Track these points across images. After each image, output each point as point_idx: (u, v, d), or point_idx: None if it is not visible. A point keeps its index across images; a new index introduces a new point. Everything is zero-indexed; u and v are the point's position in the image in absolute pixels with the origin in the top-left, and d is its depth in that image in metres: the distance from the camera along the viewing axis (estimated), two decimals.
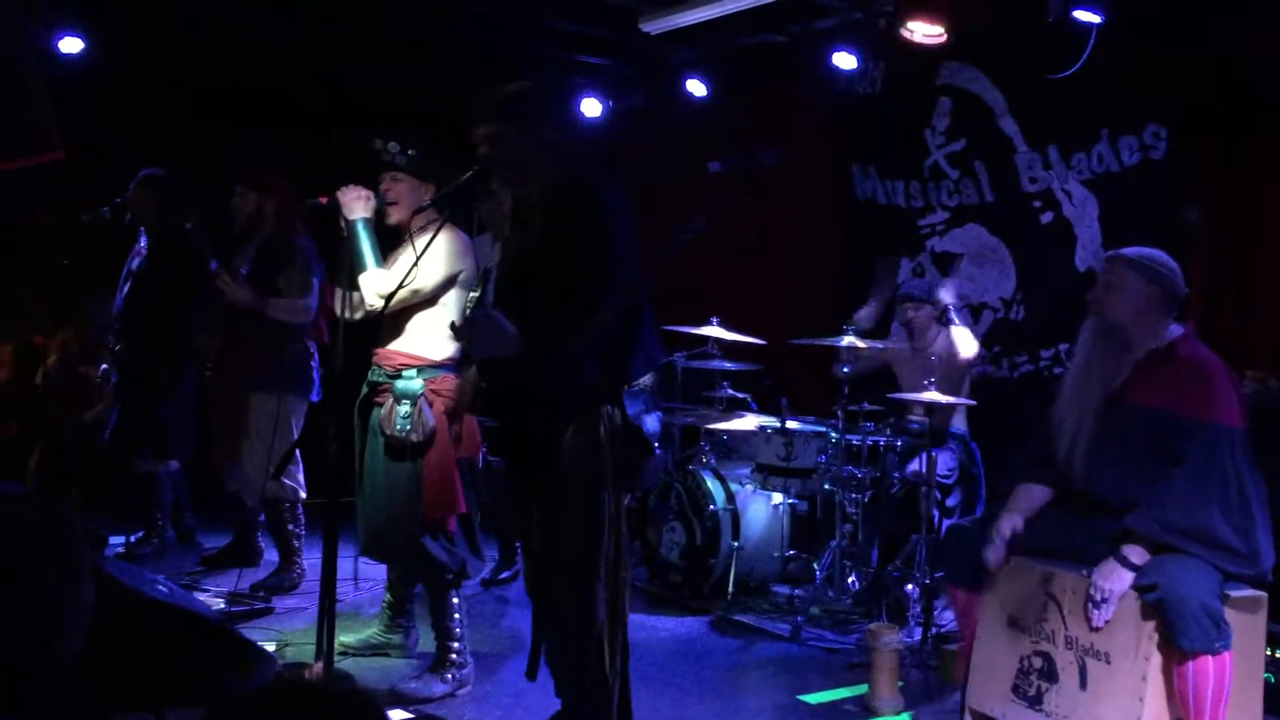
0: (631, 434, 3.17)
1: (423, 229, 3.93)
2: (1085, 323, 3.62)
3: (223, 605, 4.90)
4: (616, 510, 3.20)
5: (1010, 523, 3.55)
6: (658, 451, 3.25)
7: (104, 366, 5.95)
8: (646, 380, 3.28)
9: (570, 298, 3.07)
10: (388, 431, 3.96)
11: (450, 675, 4.10)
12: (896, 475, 5.30)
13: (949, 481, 5.37)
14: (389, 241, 4.11)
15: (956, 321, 5.48)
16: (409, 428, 3.94)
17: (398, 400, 3.96)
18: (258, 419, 5.18)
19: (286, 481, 5.23)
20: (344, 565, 5.11)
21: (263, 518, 5.56)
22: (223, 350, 5.32)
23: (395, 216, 4.09)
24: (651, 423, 3.24)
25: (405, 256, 3.99)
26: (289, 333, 5.22)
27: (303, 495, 5.37)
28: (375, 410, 4.04)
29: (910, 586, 5.03)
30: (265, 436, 5.01)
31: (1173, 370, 3.45)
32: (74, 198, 6.07)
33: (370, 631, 4.54)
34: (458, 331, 3.32)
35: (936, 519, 5.08)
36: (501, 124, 3.23)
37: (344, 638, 4.40)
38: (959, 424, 5.62)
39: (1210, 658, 3.13)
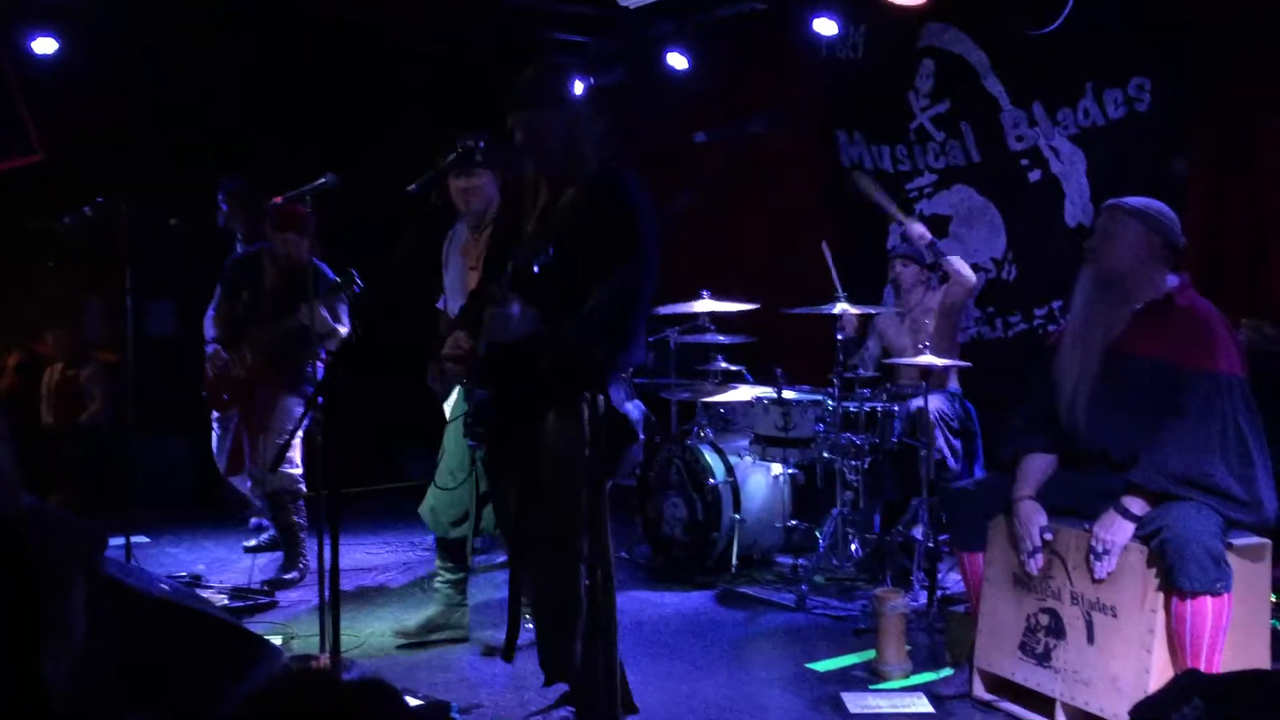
0: (615, 420, 3.16)
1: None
2: (1082, 273, 3.60)
3: (225, 601, 4.90)
4: (599, 495, 3.18)
5: (1037, 523, 3.47)
6: (640, 438, 3.24)
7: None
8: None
9: (600, 283, 3.08)
10: None
11: None
12: (897, 423, 5.28)
13: (953, 423, 5.36)
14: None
15: (946, 255, 5.53)
16: None
17: None
18: (280, 419, 5.34)
19: (287, 471, 5.29)
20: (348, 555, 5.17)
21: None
22: (265, 363, 5.40)
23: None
24: (633, 410, 3.23)
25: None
26: (317, 347, 5.36)
27: (302, 487, 5.40)
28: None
29: (918, 531, 5.01)
30: (282, 433, 5.26)
31: (1171, 320, 3.44)
32: (54, 199, 6.03)
33: (429, 614, 4.52)
34: (485, 326, 3.25)
35: (944, 451, 5.17)
36: (537, 108, 3.20)
37: (405, 621, 4.51)
38: (952, 383, 5.63)
39: (1210, 598, 3.13)
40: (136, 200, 5.33)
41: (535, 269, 3.13)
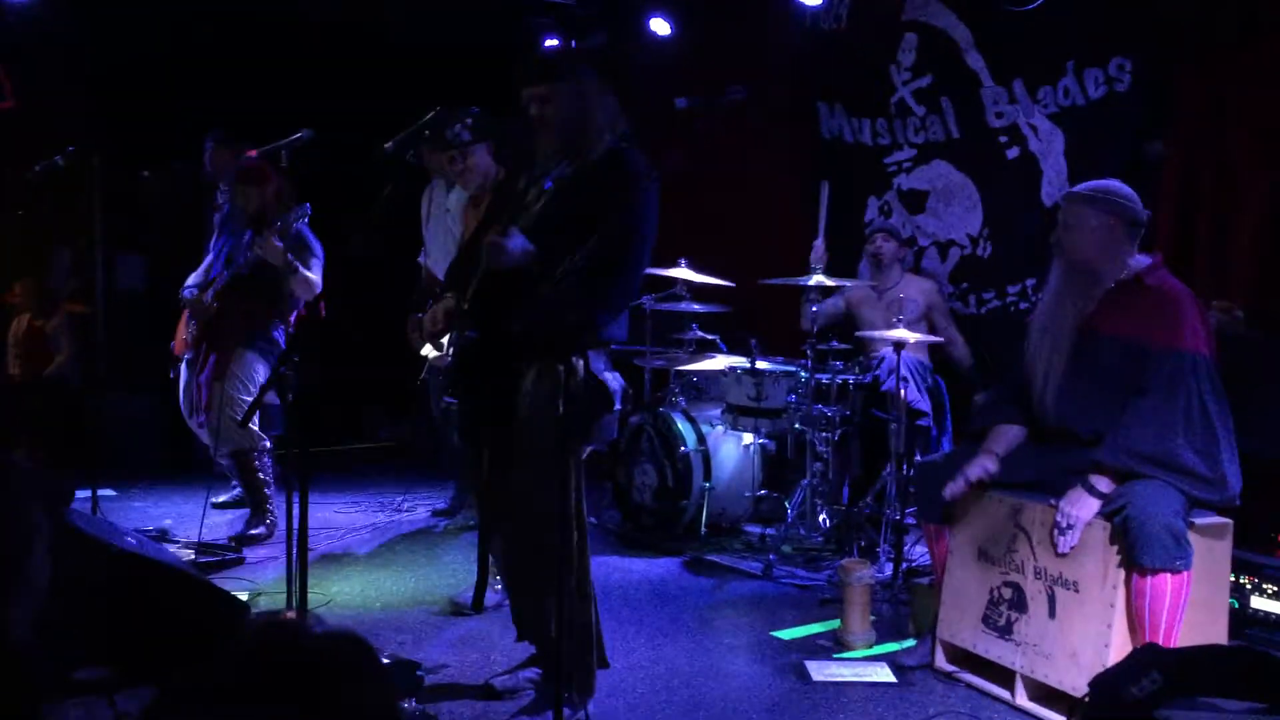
0: (593, 388, 3.17)
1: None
2: (1054, 262, 3.64)
3: (192, 556, 4.88)
4: (574, 461, 3.19)
5: (981, 466, 3.57)
6: (617, 408, 3.26)
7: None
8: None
9: (591, 255, 3.11)
10: None
11: None
12: (873, 375, 5.31)
13: (925, 409, 5.40)
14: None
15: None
16: None
17: None
18: (238, 371, 5.30)
19: (250, 428, 5.27)
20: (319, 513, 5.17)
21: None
22: (219, 317, 5.36)
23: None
24: (612, 380, 3.25)
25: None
26: (285, 305, 5.31)
27: (267, 444, 5.39)
28: None
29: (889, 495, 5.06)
30: (244, 391, 5.25)
31: (1140, 300, 3.47)
32: (24, 148, 5.94)
33: None
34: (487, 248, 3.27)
35: (917, 401, 5.24)
36: (549, 84, 3.24)
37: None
38: (924, 358, 5.66)
39: (1170, 576, 3.17)
40: (108, 151, 5.28)
41: (548, 184, 3.16)
